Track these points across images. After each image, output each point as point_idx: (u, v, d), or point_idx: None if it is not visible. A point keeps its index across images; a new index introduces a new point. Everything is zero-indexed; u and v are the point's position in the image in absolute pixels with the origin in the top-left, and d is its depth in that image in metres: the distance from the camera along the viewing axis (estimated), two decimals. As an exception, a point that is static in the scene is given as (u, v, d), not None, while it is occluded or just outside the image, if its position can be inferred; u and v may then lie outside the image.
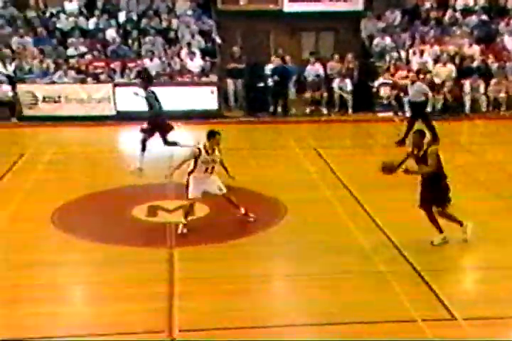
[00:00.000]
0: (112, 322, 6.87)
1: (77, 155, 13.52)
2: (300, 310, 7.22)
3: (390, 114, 17.57)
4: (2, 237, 9.16)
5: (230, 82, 18.59)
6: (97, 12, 19.75)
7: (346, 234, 9.16)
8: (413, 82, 14.98)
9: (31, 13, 19.58)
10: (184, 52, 18.73)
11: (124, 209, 10.29)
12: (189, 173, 9.38)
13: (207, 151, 9.28)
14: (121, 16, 19.77)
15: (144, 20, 19.64)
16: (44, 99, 17.27)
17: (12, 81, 17.53)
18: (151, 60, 18.37)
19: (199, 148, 9.27)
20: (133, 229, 9.57)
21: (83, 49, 18.69)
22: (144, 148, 12.06)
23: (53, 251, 8.70)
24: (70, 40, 18.86)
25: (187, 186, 9.38)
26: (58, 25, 19.42)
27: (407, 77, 16.98)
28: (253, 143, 15.36)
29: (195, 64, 18.50)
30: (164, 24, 19.70)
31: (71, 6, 19.83)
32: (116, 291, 7.58)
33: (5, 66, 18.03)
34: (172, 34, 19.38)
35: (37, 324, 6.82)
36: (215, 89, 17.74)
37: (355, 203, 10.53)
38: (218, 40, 19.36)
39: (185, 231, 9.24)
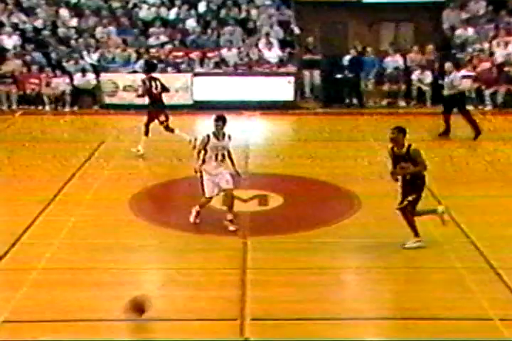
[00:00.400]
0: (185, 307, 6.96)
1: (155, 143, 13.72)
2: (373, 304, 7.14)
3: (470, 107, 17.08)
4: (82, 222, 9.40)
5: (306, 72, 18.52)
6: (177, 2, 19.98)
7: (422, 229, 8.95)
8: (450, 73, 14.54)
9: (115, 4, 20.01)
10: (262, 42, 18.75)
11: (199, 197, 10.38)
12: (200, 165, 9.04)
13: (216, 137, 9.00)
14: (202, 6, 19.93)
15: (224, 11, 19.75)
16: (124, 88, 17.64)
17: (96, 70, 18.00)
18: (229, 49, 18.50)
19: (208, 135, 8.99)
20: (208, 218, 9.64)
21: (164, 39, 18.98)
22: (172, 131, 13.00)
23: (130, 237, 8.88)
24: (151, 30, 19.18)
25: (201, 181, 9.09)
26: (140, 16, 19.79)
27: (490, 69, 16.47)
28: (328, 135, 15.21)
29: (273, 54, 18.51)
30: (243, 14, 19.77)
31: (153, -3, 20.17)
32: (189, 278, 7.68)
33: (89, 55, 18.53)
34: (251, 24, 19.42)
35: (112, 306, 6.96)
36: (292, 79, 17.67)
37: (432, 198, 10.30)
38: (297, 31, 19.27)
39: (197, 221, 9.18)
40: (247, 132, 15.32)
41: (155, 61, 16.90)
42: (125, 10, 19.90)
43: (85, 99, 17.78)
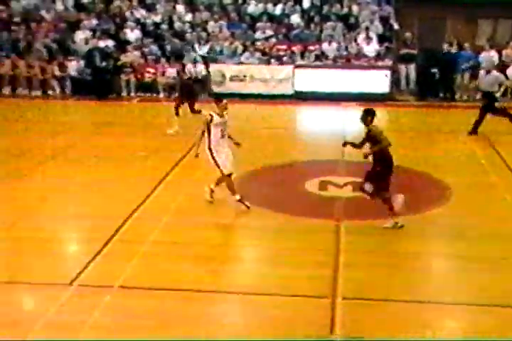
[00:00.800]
0: (277, 284, 6.97)
1: (257, 130, 13.80)
2: (459, 290, 6.95)
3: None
4: (188, 201, 9.57)
5: (402, 66, 18.13)
6: (283, -1, 19.97)
7: (510, 221, 8.62)
8: (488, 72, 13.70)
9: (226, 0, 20.19)
10: (361, 37, 18.46)
11: (297, 182, 10.39)
12: (208, 146, 8.99)
13: (219, 115, 9.07)
14: (306, 3, 19.81)
15: (326, 7, 19.55)
16: (231, 78, 17.86)
17: (205, 61, 18.28)
18: (330, 43, 18.31)
19: (210, 114, 9.06)
20: (305, 201, 9.63)
21: (269, 33, 19.01)
22: (177, 113, 13.50)
23: (232, 216, 8.99)
24: (258, 25, 19.27)
25: (215, 161, 9.00)
26: (249, 11, 19.90)
27: None
28: (422, 126, 14.86)
29: (371, 48, 18.19)
30: (345, 10, 19.49)
31: (261, -7, 20.20)
32: (284, 256, 7.69)
33: (200, 47, 18.82)
34: (352, 20, 19.14)
35: (213, 279, 7.13)
36: (388, 73, 17.37)
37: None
38: (396, 26, 18.83)
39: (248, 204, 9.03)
40: (345, 122, 15.17)
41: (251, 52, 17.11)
42: (235, 6, 20.08)
43: (196, 87, 18.06)
